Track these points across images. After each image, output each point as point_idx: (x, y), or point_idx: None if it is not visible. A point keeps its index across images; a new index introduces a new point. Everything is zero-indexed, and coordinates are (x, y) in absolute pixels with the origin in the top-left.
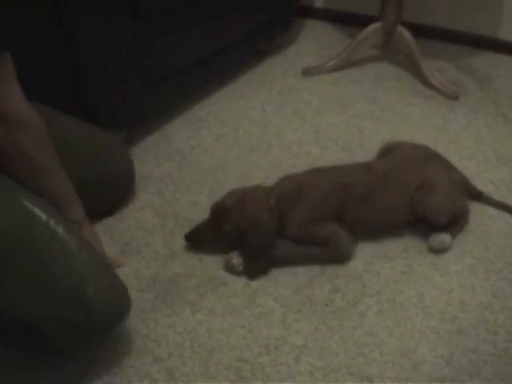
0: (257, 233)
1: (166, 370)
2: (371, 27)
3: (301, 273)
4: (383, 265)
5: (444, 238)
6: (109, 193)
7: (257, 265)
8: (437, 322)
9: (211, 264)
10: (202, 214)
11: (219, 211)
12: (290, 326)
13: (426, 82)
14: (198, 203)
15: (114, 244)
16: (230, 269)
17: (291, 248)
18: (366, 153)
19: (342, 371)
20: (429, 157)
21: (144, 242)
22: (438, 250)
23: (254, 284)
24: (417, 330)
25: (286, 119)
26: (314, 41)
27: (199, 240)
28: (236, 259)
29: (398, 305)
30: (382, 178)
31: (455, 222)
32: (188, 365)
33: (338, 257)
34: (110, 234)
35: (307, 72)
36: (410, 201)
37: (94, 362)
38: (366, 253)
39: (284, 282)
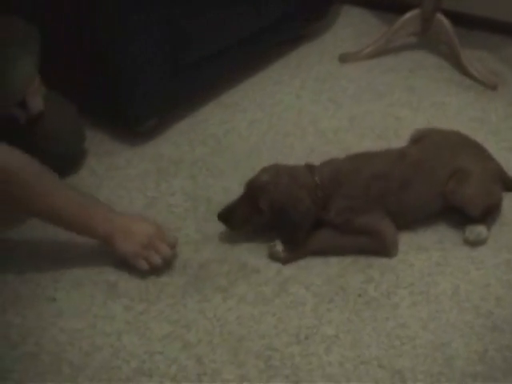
0: (295, 211)
1: (195, 357)
2: (409, 14)
3: (333, 262)
4: (418, 256)
5: (480, 230)
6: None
7: (293, 246)
8: (471, 316)
9: (243, 250)
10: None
11: (254, 187)
12: (322, 316)
13: (465, 72)
14: (231, 189)
15: None
16: (273, 255)
17: (334, 236)
18: (402, 142)
19: (372, 363)
20: (463, 143)
21: (176, 227)
22: (474, 243)
23: (286, 272)
24: (451, 324)
25: (322, 106)
26: (351, 27)
27: (233, 219)
28: (279, 246)
29: (432, 297)
30: (416, 165)
31: (490, 214)
32: (217, 352)
33: (385, 249)
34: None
35: (344, 58)
36: (444, 190)
37: (121, 348)
38: (400, 243)
39: (316, 270)
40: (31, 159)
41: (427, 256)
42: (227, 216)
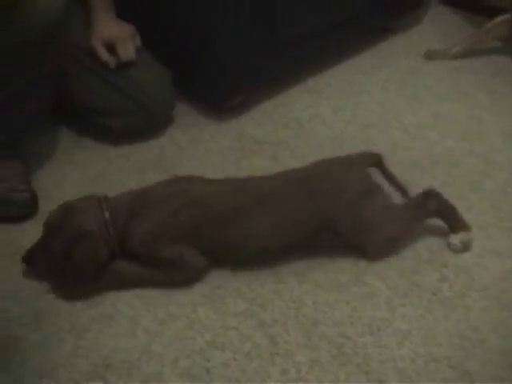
0: (83, 247)
1: (269, 336)
2: (499, 18)
3: (408, 256)
4: (493, 260)
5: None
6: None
7: (77, 285)
8: None
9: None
10: None
11: (48, 226)
12: (396, 310)
13: None
14: None
15: None
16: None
17: (132, 270)
18: (485, 145)
19: (443, 362)
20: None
21: None
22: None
23: (362, 263)
24: None
25: (406, 100)
26: (439, 25)
27: (35, 261)
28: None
29: (505, 303)
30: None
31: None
32: (291, 334)
33: (185, 278)
34: None
35: (429, 55)
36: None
37: (196, 320)
38: (475, 245)
39: (391, 264)
40: None
41: (502, 261)
42: (29, 259)
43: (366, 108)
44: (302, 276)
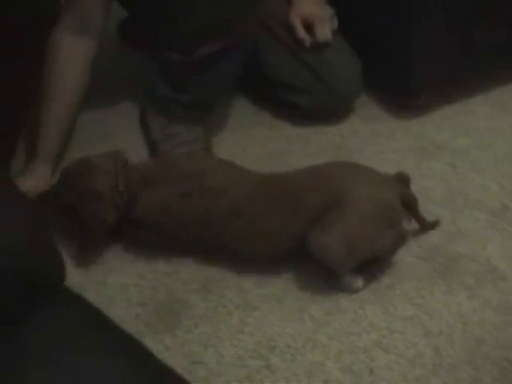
0: (92, 207)
1: (434, 347)
2: None
3: None
4: None
5: (353, 280)
6: None
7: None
8: None
9: (495, 252)
10: (492, 200)
11: (64, 177)
12: None
13: None
14: (490, 189)
15: None
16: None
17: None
18: None
19: None
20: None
21: (428, 211)
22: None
23: None
24: None
25: None
26: None
27: (47, 203)
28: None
29: None
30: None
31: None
32: (455, 348)
33: None
34: None
35: None
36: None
37: (364, 317)
38: None
39: None
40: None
41: None
42: (44, 198)
43: None
44: (472, 291)
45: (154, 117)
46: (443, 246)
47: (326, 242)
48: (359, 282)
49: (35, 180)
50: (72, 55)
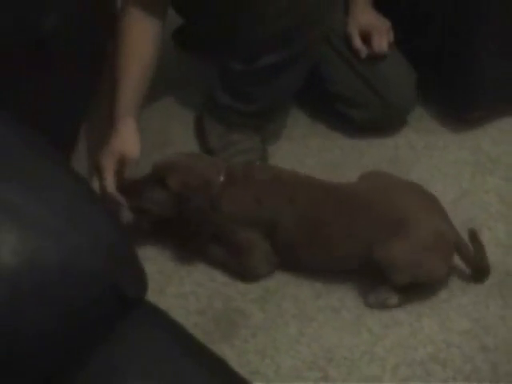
0: (203, 197)
1: (491, 362)
2: None
3: None
4: None
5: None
6: None
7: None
8: None
9: None
10: None
11: (164, 166)
12: None
13: None
14: None
15: None
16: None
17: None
18: None
19: None
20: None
21: (487, 226)
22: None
23: None
24: None
25: None
26: None
27: (135, 192)
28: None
29: None
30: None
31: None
32: None
33: (244, 271)
34: None
35: None
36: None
37: (419, 329)
38: None
39: None
40: None
41: None
42: (127, 189)
43: None
44: None
45: (211, 124)
46: (499, 261)
47: (395, 251)
48: (395, 300)
49: (121, 140)
50: (144, 26)
